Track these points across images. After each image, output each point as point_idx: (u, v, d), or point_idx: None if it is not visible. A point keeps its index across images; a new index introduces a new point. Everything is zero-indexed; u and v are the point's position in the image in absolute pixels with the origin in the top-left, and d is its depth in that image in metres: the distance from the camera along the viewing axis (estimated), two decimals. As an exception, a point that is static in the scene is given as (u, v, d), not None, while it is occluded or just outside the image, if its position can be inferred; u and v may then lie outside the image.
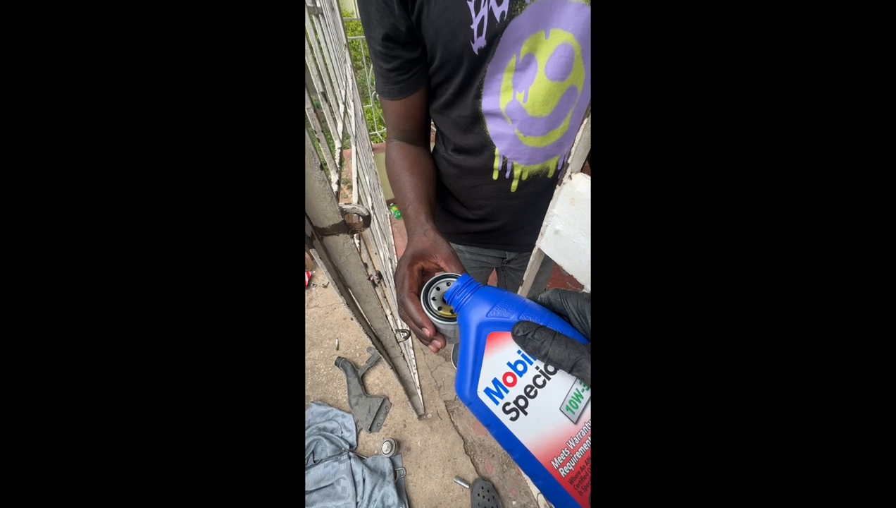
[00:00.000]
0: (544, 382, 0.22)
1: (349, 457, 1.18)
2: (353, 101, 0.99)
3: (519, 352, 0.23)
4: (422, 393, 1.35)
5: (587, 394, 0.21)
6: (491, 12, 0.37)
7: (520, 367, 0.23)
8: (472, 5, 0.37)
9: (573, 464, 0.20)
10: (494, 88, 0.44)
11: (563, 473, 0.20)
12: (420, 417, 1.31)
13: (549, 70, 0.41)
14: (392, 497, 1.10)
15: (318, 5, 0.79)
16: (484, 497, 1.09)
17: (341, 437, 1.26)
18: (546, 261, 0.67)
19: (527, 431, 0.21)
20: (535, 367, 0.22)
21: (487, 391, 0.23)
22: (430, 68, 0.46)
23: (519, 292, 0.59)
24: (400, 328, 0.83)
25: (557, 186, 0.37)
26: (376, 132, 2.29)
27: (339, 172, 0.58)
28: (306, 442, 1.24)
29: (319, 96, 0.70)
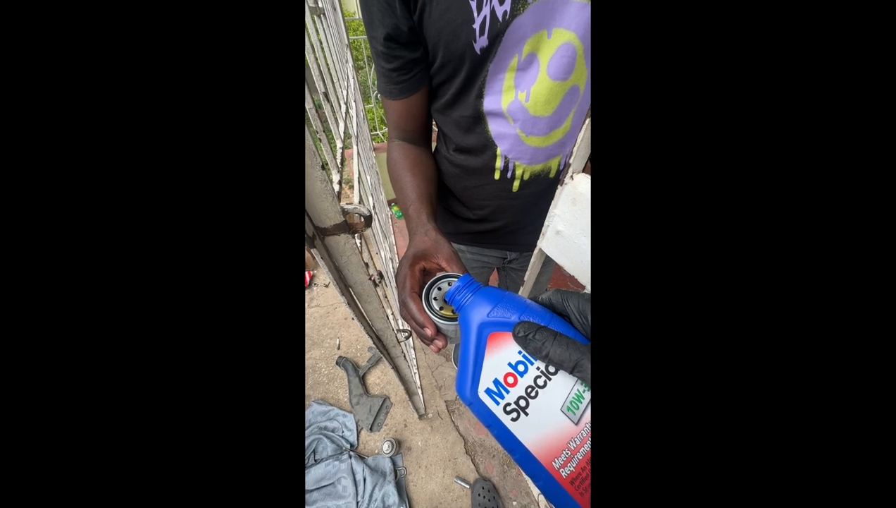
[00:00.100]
0: (545, 382, 0.22)
1: (350, 456, 1.18)
2: (354, 101, 0.99)
3: (520, 352, 0.23)
4: (422, 393, 1.35)
5: (588, 395, 0.21)
6: (493, 12, 0.37)
7: (521, 367, 0.22)
8: (474, 5, 0.37)
9: (574, 465, 0.20)
10: (496, 87, 0.44)
11: (563, 474, 0.20)
12: (421, 417, 1.32)
13: (552, 70, 0.41)
14: (393, 497, 1.10)
15: (320, 5, 0.80)
16: (484, 497, 1.09)
17: (342, 436, 1.26)
18: (547, 261, 0.67)
19: (527, 432, 0.21)
20: (535, 368, 0.22)
21: (488, 391, 0.23)
22: (431, 68, 0.46)
23: (520, 293, 0.59)
24: (401, 327, 0.83)
25: (559, 186, 0.36)
26: (377, 132, 2.29)
27: (340, 172, 0.58)
28: (307, 441, 1.24)
29: (321, 96, 0.70)
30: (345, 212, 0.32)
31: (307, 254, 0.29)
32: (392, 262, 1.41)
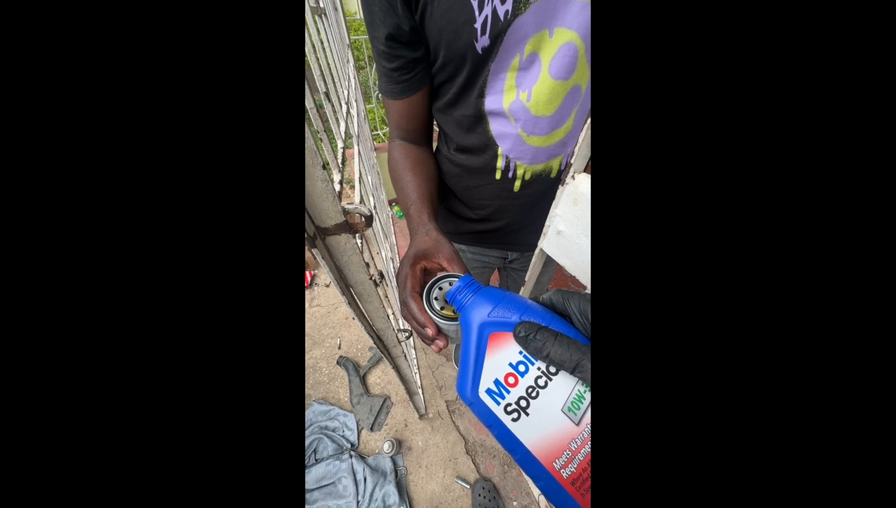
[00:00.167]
0: (546, 383, 0.22)
1: (350, 456, 1.19)
2: (355, 101, 0.99)
3: (521, 353, 0.23)
4: (423, 393, 1.35)
5: (589, 395, 0.21)
6: (495, 11, 0.37)
7: (521, 368, 0.22)
8: (475, 4, 0.37)
9: (575, 466, 0.20)
10: (498, 87, 0.44)
11: (564, 475, 0.20)
12: (421, 417, 1.32)
13: (553, 69, 0.41)
14: (393, 497, 1.10)
15: (322, 5, 0.80)
16: (485, 497, 1.09)
17: (343, 436, 1.26)
18: (548, 261, 0.67)
19: (528, 432, 0.21)
20: (536, 368, 0.22)
21: (489, 391, 0.23)
22: (433, 68, 0.46)
23: (521, 293, 0.58)
24: (401, 327, 0.83)
25: (560, 186, 0.36)
26: (378, 132, 2.30)
27: (341, 171, 0.58)
28: (308, 441, 1.24)
29: (322, 96, 0.70)
30: (346, 212, 0.32)
31: (308, 254, 0.29)
32: (393, 262, 1.41)
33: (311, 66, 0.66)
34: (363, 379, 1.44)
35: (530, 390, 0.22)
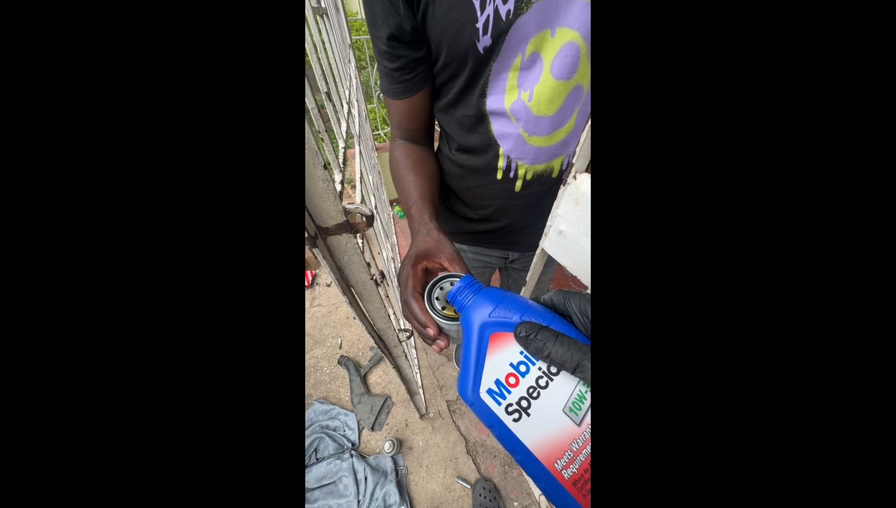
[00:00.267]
0: (547, 383, 0.22)
1: (351, 455, 1.19)
2: (356, 100, 0.99)
3: (522, 353, 0.23)
4: (424, 393, 1.35)
5: (590, 395, 0.21)
6: (497, 11, 0.37)
7: (522, 368, 0.22)
8: (477, 4, 0.37)
9: (576, 466, 0.20)
10: (499, 87, 0.44)
11: (566, 475, 0.20)
12: (422, 416, 1.32)
13: (555, 69, 0.41)
14: (394, 496, 1.10)
15: (323, 5, 0.80)
16: (485, 497, 1.09)
17: (343, 435, 1.27)
18: (549, 261, 0.67)
19: (529, 432, 0.21)
20: (537, 368, 0.22)
21: (490, 391, 0.23)
22: (434, 67, 0.46)
23: (522, 293, 0.58)
24: (402, 327, 0.83)
25: (562, 186, 0.36)
26: (379, 132, 2.30)
27: (342, 171, 0.58)
28: (309, 440, 1.24)
29: (324, 96, 0.70)
30: (347, 212, 0.32)
31: (309, 253, 0.29)
32: (394, 261, 1.41)
33: (313, 66, 0.67)
34: (364, 379, 1.44)
35: (531, 390, 0.22)
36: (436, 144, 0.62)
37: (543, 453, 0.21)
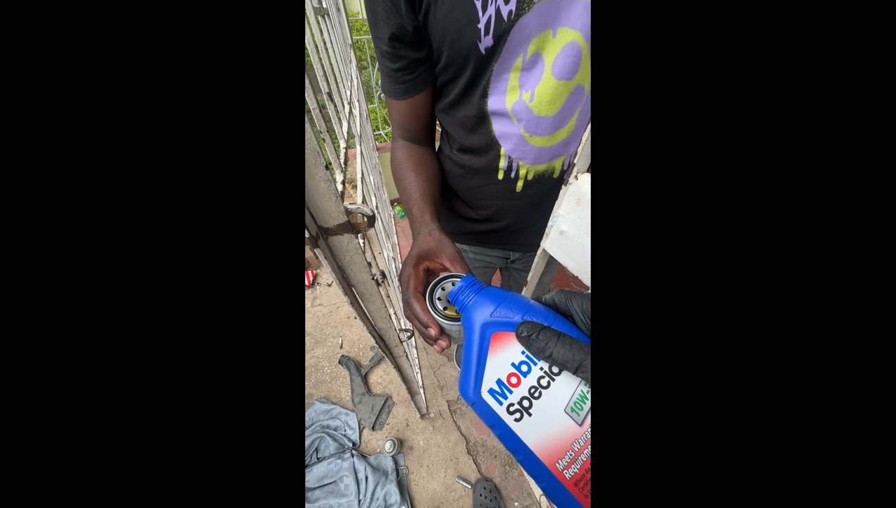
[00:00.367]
0: (549, 383, 0.22)
1: (352, 455, 1.19)
2: (357, 101, 1.00)
3: (523, 353, 0.23)
4: (425, 393, 1.35)
5: (591, 395, 0.21)
6: (498, 11, 0.37)
7: (524, 368, 0.22)
8: (479, 4, 0.37)
9: (578, 467, 0.20)
10: (501, 87, 0.44)
11: (567, 475, 0.20)
12: (423, 416, 1.32)
13: (557, 69, 0.41)
14: (394, 496, 1.10)
15: (324, 6, 0.80)
16: (486, 497, 1.09)
17: (344, 435, 1.27)
18: (551, 262, 0.67)
19: (531, 432, 0.21)
20: (539, 368, 0.22)
21: (491, 391, 0.23)
22: (436, 68, 0.46)
23: (523, 293, 0.58)
24: (403, 327, 0.83)
25: (563, 186, 0.36)
26: (381, 132, 2.30)
27: (343, 171, 0.58)
28: (310, 440, 1.24)
29: (325, 96, 0.70)
30: (348, 212, 0.32)
31: (310, 253, 0.29)
32: (395, 261, 1.41)
33: (314, 66, 0.67)
34: (365, 379, 1.44)
35: (533, 390, 0.22)
36: (437, 145, 0.62)
37: (545, 453, 0.21)
